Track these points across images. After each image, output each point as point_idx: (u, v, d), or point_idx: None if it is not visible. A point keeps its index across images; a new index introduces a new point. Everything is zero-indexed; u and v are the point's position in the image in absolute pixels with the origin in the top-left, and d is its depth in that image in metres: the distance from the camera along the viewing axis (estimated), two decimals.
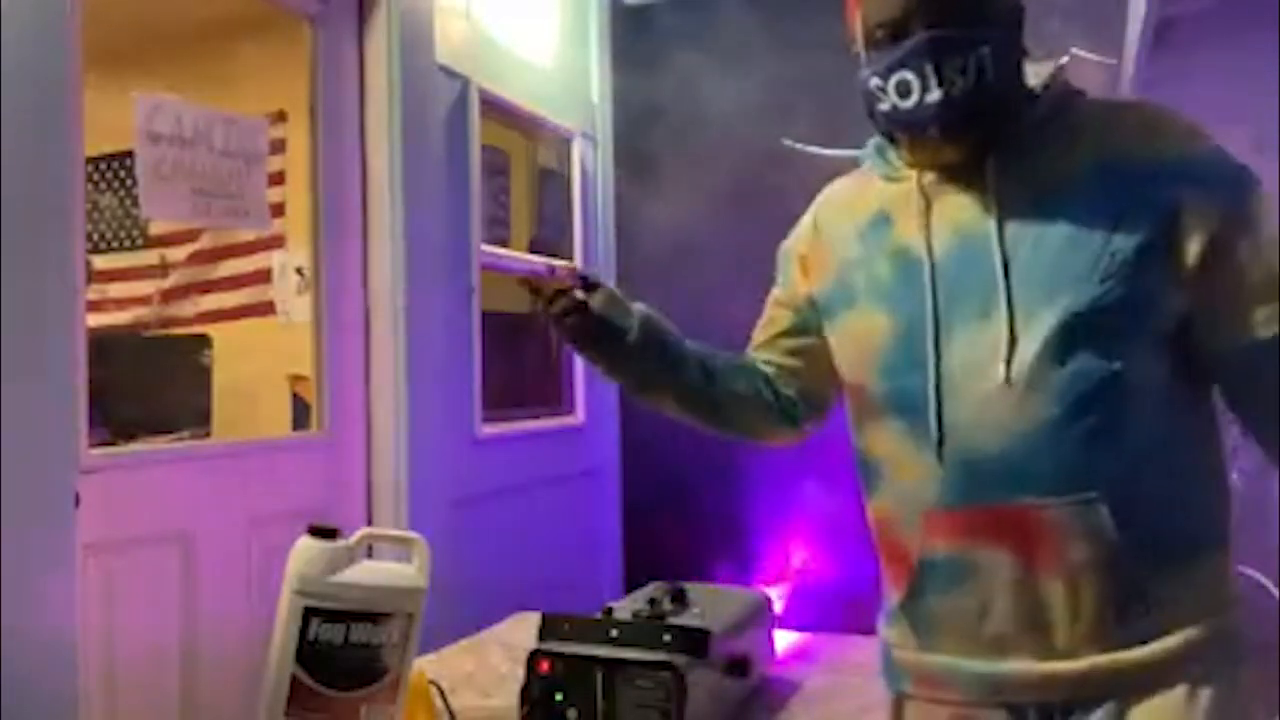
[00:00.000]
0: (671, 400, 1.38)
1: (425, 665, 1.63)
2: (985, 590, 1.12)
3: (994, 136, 1.15)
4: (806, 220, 1.40)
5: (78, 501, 1.87)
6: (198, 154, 2.24)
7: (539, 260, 3.45)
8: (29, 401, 1.76)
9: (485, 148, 3.07)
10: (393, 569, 1.39)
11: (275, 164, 2.68)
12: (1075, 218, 1.10)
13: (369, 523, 2.61)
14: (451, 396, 2.85)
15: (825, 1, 3.59)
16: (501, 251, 3.22)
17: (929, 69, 1.10)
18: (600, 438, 3.66)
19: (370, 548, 1.45)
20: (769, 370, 1.41)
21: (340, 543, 1.34)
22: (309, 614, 1.30)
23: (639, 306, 1.37)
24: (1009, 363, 1.09)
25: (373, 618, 1.32)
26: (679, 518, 3.48)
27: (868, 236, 1.25)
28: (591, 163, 3.66)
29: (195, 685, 2.21)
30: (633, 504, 3.73)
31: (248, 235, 3.65)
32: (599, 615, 1.55)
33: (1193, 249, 1.07)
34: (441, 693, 1.55)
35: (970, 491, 1.12)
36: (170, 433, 2.93)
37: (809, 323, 1.35)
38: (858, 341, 1.24)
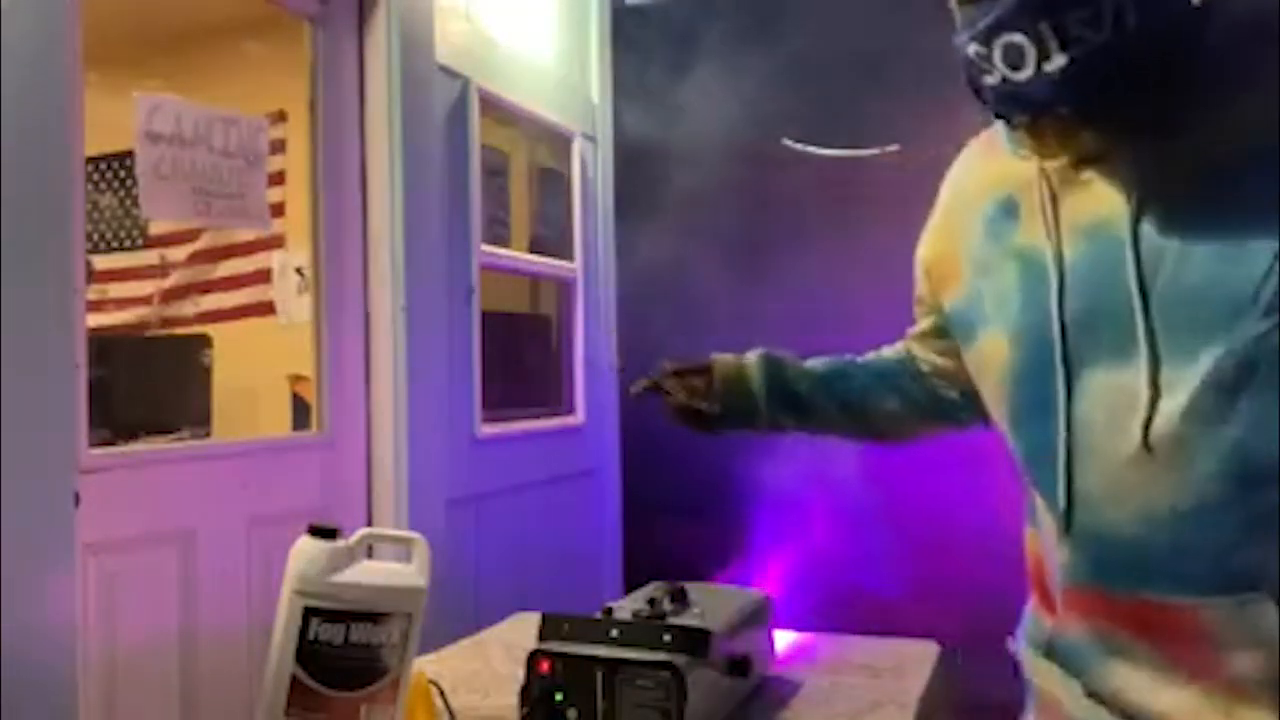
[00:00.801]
0: (825, 435, 1.33)
1: (425, 665, 1.63)
2: (1124, 677, 0.91)
3: (1143, 105, 0.86)
4: (936, 208, 1.15)
5: (78, 501, 1.87)
6: (198, 154, 2.24)
7: (539, 260, 3.45)
8: (29, 401, 1.76)
9: (485, 148, 3.07)
10: (393, 569, 1.39)
11: (275, 164, 2.69)
12: (1236, 218, 0.82)
13: (369, 522, 2.61)
14: (451, 396, 2.85)
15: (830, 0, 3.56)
16: (501, 251, 3.22)
17: (1045, 26, 0.82)
18: (600, 437, 3.66)
19: (370, 547, 1.45)
20: (924, 368, 1.25)
21: (340, 543, 1.34)
22: (309, 614, 1.30)
23: (754, 362, 1.30)
24: (1148, 424, 0.84)
25: (373, 618, 1.32)
26: (679, 517, 3.48)
27: (994, 228, 1.00)
28: (591, 163, 3.66)
29: (195, 685, 2.21)
30: (633, 503, 3.74)
31: (248, 235, 3.66)
32: (599, 615, 1.54)
33: None
34: (441, 693, 1.55)
35: (1103, 573, 0.91)
36: (171, 432, 2.93)
37: (948, 335, 1.14)
38: (985, 372, 1.02)
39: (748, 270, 3.51)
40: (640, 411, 3.69)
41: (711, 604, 1.61)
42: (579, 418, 3.55)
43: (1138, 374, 0.85)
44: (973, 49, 0.88)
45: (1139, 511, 0.86)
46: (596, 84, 3.71)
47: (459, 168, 2.92)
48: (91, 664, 1.95)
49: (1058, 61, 0.83)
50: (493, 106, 3.09)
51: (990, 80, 0.88)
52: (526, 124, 3.40)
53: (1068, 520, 0.91)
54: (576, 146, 3.56)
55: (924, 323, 1.23)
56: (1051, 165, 0.93)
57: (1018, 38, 0.84)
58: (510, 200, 3.55)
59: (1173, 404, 0.84)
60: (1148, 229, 0.86)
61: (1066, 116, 0.88)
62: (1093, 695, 0.95)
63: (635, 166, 3.71)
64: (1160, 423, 0.84)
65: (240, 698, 2.19)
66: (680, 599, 1.62)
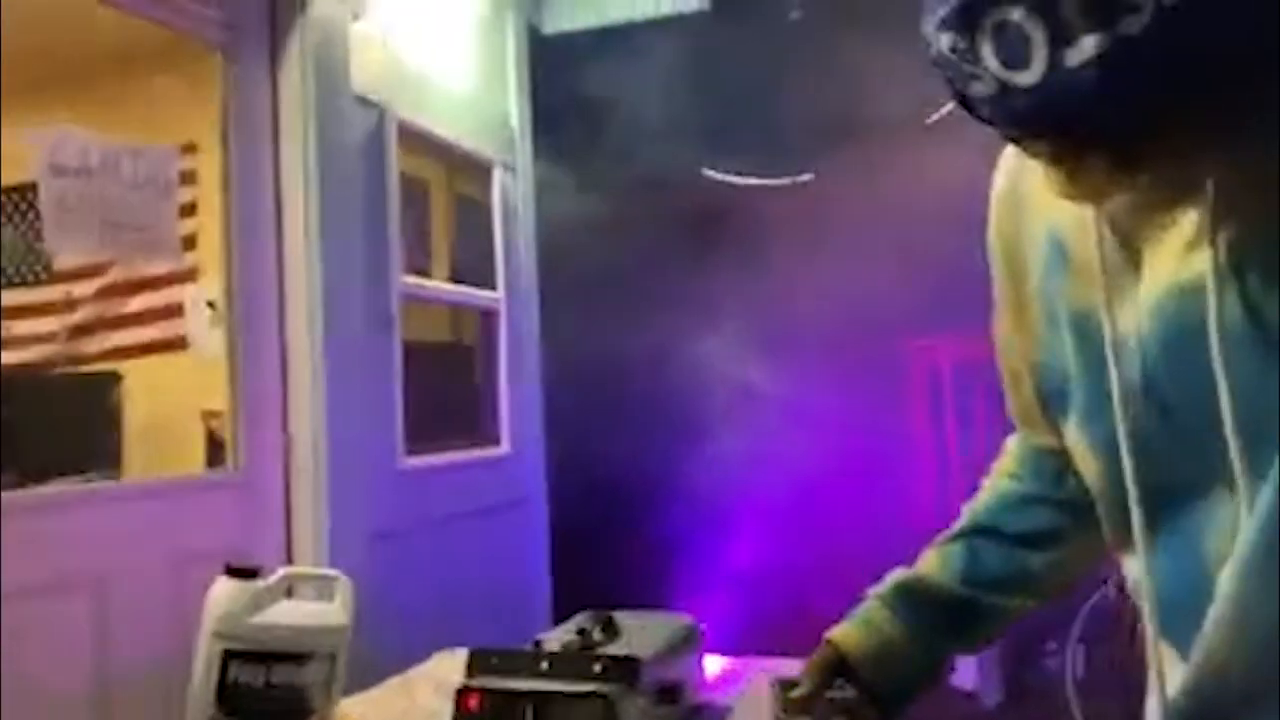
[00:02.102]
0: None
1: (351, 705, 1.60)
2: None
3: (1198, 124, 0.58)
4: (1004, 211, 0.81)
5: None
6: (105, 185, 2.19)
7: (459, 290, 3.43)
8: None
9: (404, 177, 3.05)
10: (315, 608, 1.37)
11: (187, 195, 2.63)
12: None
13: (289, 560, 2.55)
14: (373, 428, 2.81)
15: (742, 29, 3.66)
16: (422, 281, 3.19)
17: (1067, 6, 0.54)
18: (526, 467, 3.64)
19: (291, 587, 1.42)
20: (1056, 465, 0.87)
21: (260, 582, 1.31)
22: (229, 656, 1.26)
23: (879, 607, 0.95)
24: (1238, 541, 0.63)
25: (295, 658, 1.29)
26: (608, 545, 3.48)
27: (1049, 273, 0.75)
28: (511, 191, 3.66)
29: None
30: (560, 533, 3.72)
31: (158, 269, 3.57)
32: (528, 648, 1.53)
33: None
34: None
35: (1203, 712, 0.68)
36: (80, 473, 2.84)
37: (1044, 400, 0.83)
38: (1079, 463, 0.78)
39: (668, 297, 3.54)
40: (566, 440, 3.70)
41: (641, 632, 1.61)
42: (504, 447, 3.53)
43: (1220, 478, 0.63)
44: (945, 40, 0.59)
45: (1223, 651, 0.65)
46: (515, 112, 3.72)
47: (377, 197, 2.89)
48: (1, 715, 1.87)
49: (1088, 50, 0.54)
50: (411, 135, 3.07)
51: (981, 90, 0.59)
52: (445, 153, 3.39)
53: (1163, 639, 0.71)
54: (496, 175, 3.55)
55: (1026, 390, 0.85)
56: (1113, 203, 0.65)
57: (1015, 15, 0.55)
58: (431, 229, 3.53)
59: (1262, 520, 0.61)
60: (1230, 289, 0.60)
61: (1100, 139, 0.59)
62: None
63: (555, 194, 3.72)
64: (1248, 544, 0.62)
65: None
66: (610, 628, 1.62)
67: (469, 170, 3.59)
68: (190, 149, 3.04)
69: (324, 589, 1.40)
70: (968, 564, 0.91)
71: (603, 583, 3.33)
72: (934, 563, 0.94)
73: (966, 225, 1.03)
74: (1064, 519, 0.89)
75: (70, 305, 3.84)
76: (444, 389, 3.52)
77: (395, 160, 2.95)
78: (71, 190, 2.12)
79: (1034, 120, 0.59)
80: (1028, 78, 0.56)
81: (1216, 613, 0.64)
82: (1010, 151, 0.78)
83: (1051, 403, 0.78)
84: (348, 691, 1.51)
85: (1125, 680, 2.31)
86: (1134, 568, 0.73)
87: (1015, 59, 0.56)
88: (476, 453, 3.42)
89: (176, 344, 3.66)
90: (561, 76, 3.72)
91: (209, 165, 2.75)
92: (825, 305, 3.02)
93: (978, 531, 0.93)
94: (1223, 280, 0.60)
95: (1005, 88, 0.57)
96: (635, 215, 3.51)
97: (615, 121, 3.53)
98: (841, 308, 3.08)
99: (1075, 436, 0.75)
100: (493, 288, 3.52)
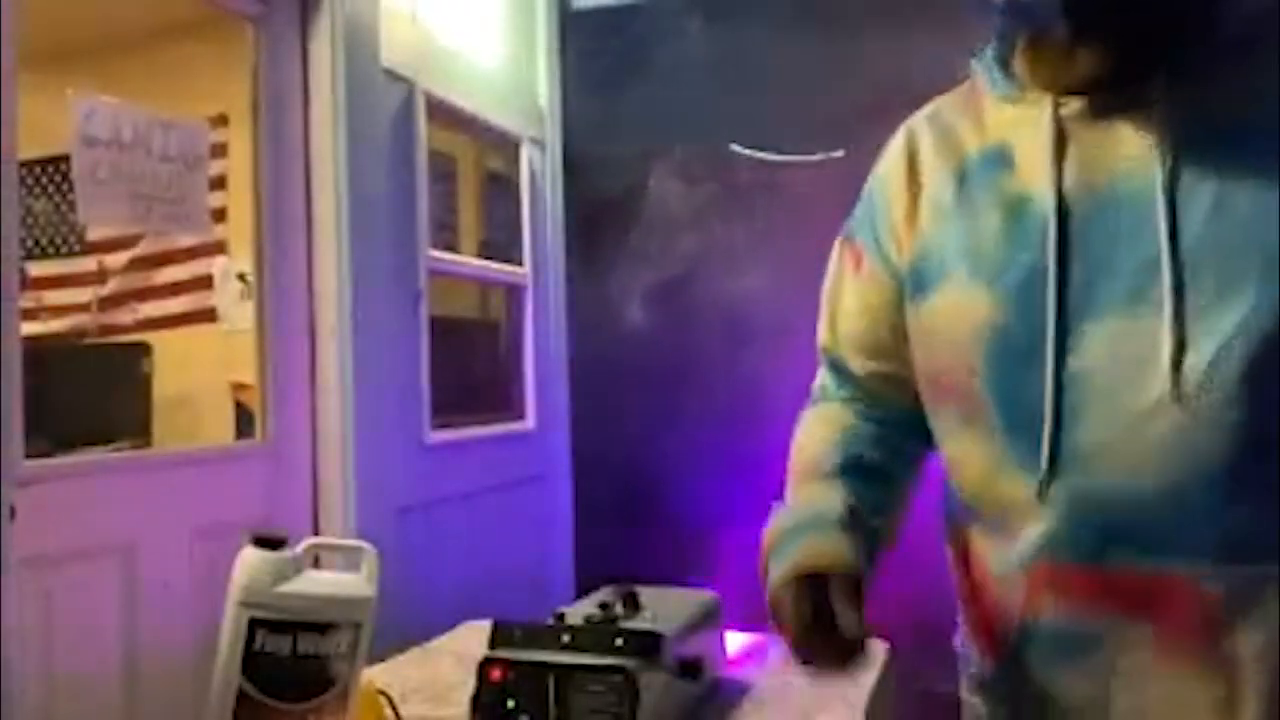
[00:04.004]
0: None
1: (375, 675, 1.62)
2: (1106, 671, 0.85)
3: (1167, 41, 0.84)
4: (897, 148, 1.04)
5: (13, 514, 1.82)
6: (136, 158, 2.20)
7: (487, 266, 3.44)
8: None
9: (432, 152, 3.04)
10: (340, 578, 1.38)
11: (217, 168, 2.64)
12: (1274, 186, 0.78)
13: (316, 532, 2.57)
14: (400, 402, 2.83)
15: (772, 6, 3.62)
16: (450, 256, 3.19)
17: None
18: (551, 442, 3.65)
19: (317, 557, 1.43)
20: (902, 374, 1.04)
21: (286, 553, 1.32)
22: (254, 625, 1.28)
23: (833, 517, 0.99)
24: (1176, 374, 0.79)
25: (320, 628, 1.30)
26: (630, 520, 3.48)
27: (974, 178, 0.94)
28: (540, 167, 3.65)
29: (139, 701, 2.16)
30: (584, 508, 3.73)
31: (188, 241, 3.59)
32: (550, 621, 1.54)
33: None
34: (391, 702, 1.53)
35: (1098, 544, 0.84)
36: (110, 442, 2.87)
37: (902, 297, 1.01)
38: (948, 326, 0.93)
39: (696, 272, 3.52)
40: (592, 416, 3.70)
41: (663, 607, 1.62)
42: (529, 423, 3.54)
43: (1159, 325, 0.80)
44: None
45: (1152, 470, 0.80)
46: (544, 88, 3.71)
47: (406, 172, 2.90)
48: (30, 682, 1.90)
49: None
50: (439, 110, 3.07)
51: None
52: (474, 128, 3.38)
53: (1050, 484, 0.85)
54: (524, 151, 3.55)
55: (883, 312, 1.05)
56: (1066, 105, 0.87)
57: None
58: (458, 205, 3.53)
59: (1200, 356, 0.79)
60: (1181, 175, 0.81)
61: (1065, 37, 0.84)
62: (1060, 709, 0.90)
63: (583, 170, 3.71)
64: (1191, 377, 0.79)
65: (185, 713, 2.15)
66: (632, 602, 1.62)
67: (497, 146, 3.59)
68: (221, 121, 3.05)
69: (350, 560, 1.41)
70: (857, 494, 1.02)
71: (626, 557, 3.34)
72: (825, 491, 1.04)
73: None
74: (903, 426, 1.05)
75: (101, 276, 3.87)
76: (470, 364, 3.53)
77: (424, 135, 2.95)
78: (103, 162, 2.14)
79: (1028, 17, 0.85)
80: None
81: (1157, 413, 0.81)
82: (917, 118, 1.04)
83: (916, 284, 0.97)
84: (372, 662, 1.53)
85: None
86: (995, 399, 0.89)
87: None
88: (502, 428, 3.43)
89: (206, 316, 3.69)
90: (592, 52, 3.70)
91: (239, 138, 2.76)
92: None
93: (866, 452, 1.06)
94: (1172, 160, 0.82)
95: None
96: (665, 191, 3.49)
97: (645, 97, 3.50)
98: None
99: (955, 299, 0.92)
100: (520, 264, 3.52)
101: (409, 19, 2.95)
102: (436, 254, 3.04)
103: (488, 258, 3.48)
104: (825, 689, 1.69)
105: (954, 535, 1.02)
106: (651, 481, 3.41)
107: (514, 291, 3.58)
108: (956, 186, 0.95)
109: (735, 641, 1.90)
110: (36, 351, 2.40)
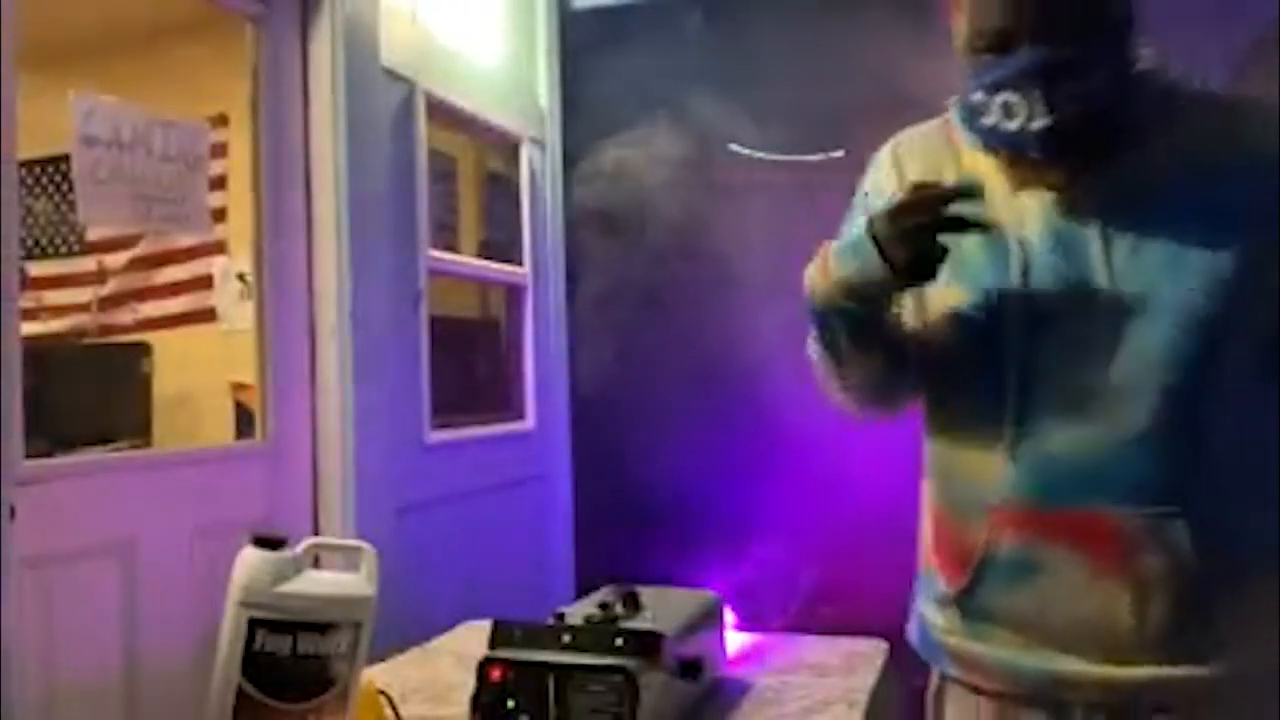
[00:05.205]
0: (882, 357, 1.21)
1: (375, 675, 1.62)
2: (1049, 589, 1.10)
3: (1102, 150, 1.10)
4: (885, 162, 1.27)
5: (13, 514, 1.82)
6: (136, 158, 2.20)
7: (487, 266, 3.44)
8: None
9: (432, 152, 3.04)
10: (340, 578, 1.38)
11: (217, 168, 2.64)
12: (1177, 227, 1.06)
13: (315, 532, 2.57)
14: (399, 403, 2.83)
15: (772, 6, 3.61)
16: (450, 256, 3.19)
17: (1037, 94, 1.03)
18: (551, 442, 3.65)
19: (317, 557, 1.43)
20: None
21: (286, 553, 1.32)
22: (254, 625, 1.28)
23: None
24: (1109, 364, 1.06)
25: (320, 628, 1.30)
26: (630, 520, 3.48)
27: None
28: (540, 167, 3.65)
29: (139, 700, 2.16)
30: (584, 508, 3.73)
31: (188, 241, 3.59)
32: (550, 621, 1.54)
33: None
34: (391, 702, 1.53)
35: (1045, 491, 1.09)
36: (110, 442, 2.87)
37: None
38: (939, 316, 1.17)
39: (697, 269, 3.52)
40: (591, 416, 3.70)
41: (663, 607, 1.62)
42: (529, 423, 3.54)
43: (1099, 328, 1.07)
44: (977, 96, 1.09)
45: (1089, 436, 1.07)
46: (544, 88, 3.71)
47: (405, 172, 2.90)
48: (30, 681, 1.90)
49: (1042, 122, 1.04)
50: (439, 110, 3.07)
51: (986, 122, 1.09)
52: (474, 128, 3.38)
53: (1016, 446, 1.10)
54: (524, 151, 3.55)
55: None
56: (1018, 165, 1.12)
57: (1014, 97, 1.05)
58: (458, 204, 3.53)
59: (1129, 353, 1.06)
60: (1107, 227, 1.09)
61: (1039, 160, 1.09)
62: (1015, 626, 1.14)
63: (583, 170, 3.71)
64: (1119, 366, 1.06)
65: (186, 712, 2.15)
66: (632, 603, 1.62)
67: (497, 146, 3.59)
68: (221, 121, 3.05)
69: (350, 559, 1.41)
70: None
71: (626, 557, 3.34)
72: None
73: None
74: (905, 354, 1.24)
75: (101, 276, 3.87)
76: (470, 364, 3.53)
77: (424, 135, 2.95)
78: (104, 162, 2.14)
79: (1011, 145, 1.10)
80: (1012, 126, 1.07)
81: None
82: (900, 137, 1.29)
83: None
84: (372, 662, 1.53)
85: None
86: (976, 374, 1.14)
87: (1008, 116, 1.06)
88: (502, 428, 3.43)
89: (206, 316, 3.69)
90: (592, 52, 3.70)
91: (239, 138, 2.76)
92: None
93: None
94: (1102, 218, 1.10)
95: (999, 129, 1.09)
96: (665, 191, 3.49)
97: (645, 97, 3.50)
98: None
99: (941, 296, 1.16)
100: (520, 264, 3.52)
101: (409, 19, 2.95)
102: (436, 254, 3.04)
103: (488, 258, 3.48)
104: (827, 688, 1.70)
105: (929, 483, 1.24)
106: (651, 481, 3.41)
107: (514, 291, 3.58)
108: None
109: (735, 641, 1.90)
110: (36, 351, 2.40)
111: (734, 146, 3.45)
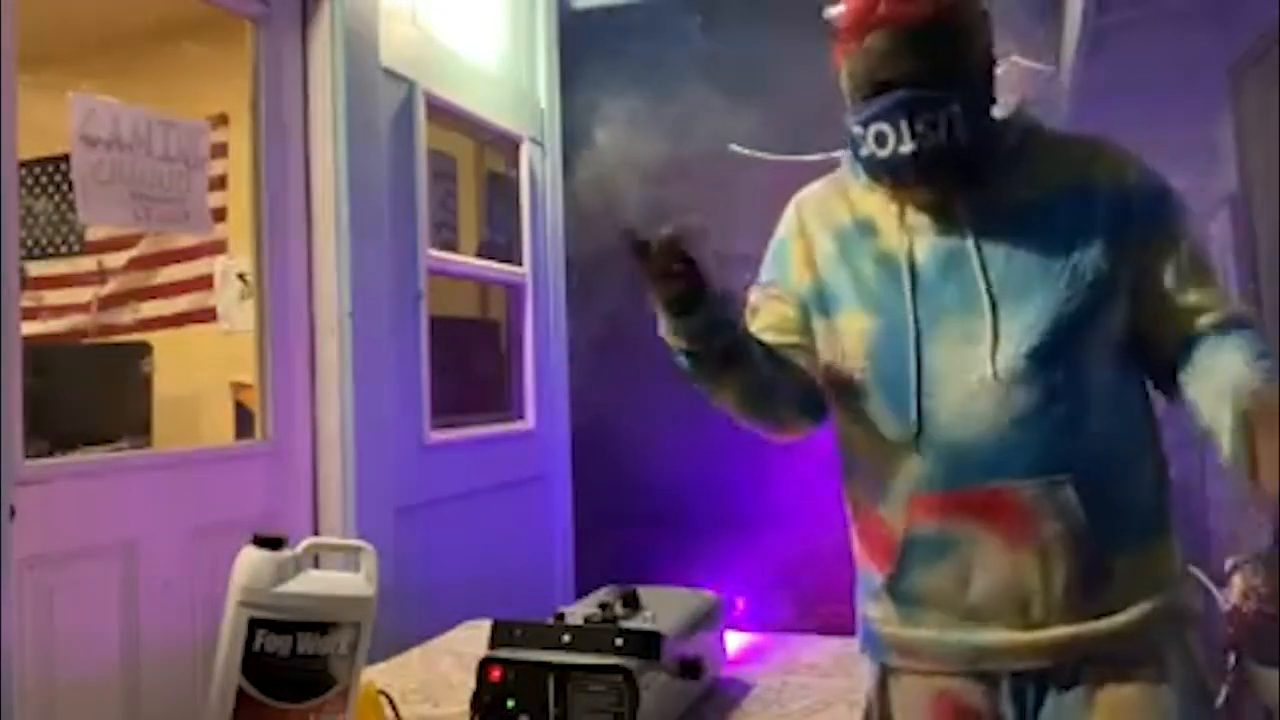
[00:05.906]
0: (736, 385, 1.35)
1: (375, 675, 1.62)
2: (965, 565, 1.23)
3: (965, 175, 1.28)
4: (791, 217, 1.47)
5: (13, 514, 1.82)
6: (136, 158, 2.20)
7: (487, 266, 3.44)
8: None
9: (432, 151, 3.04)
10: (340, 578, 1.38)
11: (217, 168, 2.64)
12: (1041, 240, 1.26)
13: (315, 531, 2.57)
14: (399, 403, 2.83)
15: (770, 7, 3.61)
16: (449, 256, 3.19)
17: (903, 124, 1.23)
18: (550, 442, 3.65)
19: (317, 557, 1.43)
20: (800, 360, 1.40)
21: (286, 552, 1.32)
22: (254, 625, 1.28)
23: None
24: (994, 359, 1.22)
25: (320, 628, 1.30)
26: (630, 520, 3.48)
27: (851, 241, 1.36)
28: (539, 167, 3.65)
29: (138, 701, 2.16)
30: (584, 508, 3.73)
31: (189, 241, 3.59)
32: (550, 620, 1.54)
33: (1143, 265, 1.25)
34: (391, 702, 1.53)
35: (953, 476, 1.23)
36: (110, 442, 2.87)
37: (807, 315, 1.39)
38: (846, 339, 1.33)
39: None
40: (590, 416, 3.70)
41: (663, 607, 1.62)
42: (529, 423, 3.54)
43: (983, 329, 1.24)
44: (855, 129, 1.28)
45: (984, 422, 1.22)
46: (544, 88, 3.70)
47: (405, 171, 2.90)
48: (30, 680, 1.90)
49: (908, 147, 1.24)
50: (439, 110, 3.07)
51: (864, 152, 1.28)
52: (473, 128, 3.38)
53: (919, 439, 1.24)
54: (525, 150, 3.54)
55: (789, 313, 1.40)
56: (907, 205, 1.32)
57: (885, 127, 1.24)
58: (458, 205, 3.53)
59: (1009, 347, 1.23)
60: (983, 241, 1.27)
61: (910, 182, 1.28)
62: (940, 605, 1.25)
63: (583, 170, 3.71)
64: (1002, 360, 1.22)
65: (185, 712, 2.15)
66: (632, 602, 1.63)
67: (497, 145, 3.58)
68: (221, 121, 3.05)
69: (349, 559, 1.41)
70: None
71: (625, 558, 3.34)
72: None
73: None
74: (798, 375, 1.39)
75: (101, 276, 3.87)
76: (470, 364, 3.53)
77: (424, 134, 2.95)
78: (104, 161, 2.14)
79: (886, 170, 1.29)
80: (884, 153, 1.26)
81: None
82: (799, 197, 1.48)
83: (820, 309, 1.37)
84: (372, 661, 1.53)
85: None
86: (879, 383, 1.29)
87: (881, 144, 1.26)
88: (502, 428, 3.43)
89: (206, 316, 3.68)
90: (592, 52, 3.70)
91: (239, 137, 2.76)
92: None
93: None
94: (975, 233, 1.28)
95: (874, 156, 1.28)
96: (664, 190, 3.49)
97: (645, 96, 3.50)
98: None
99: (848, 321, 1.33)
100: (520, 264, 3.52)
101: (409, 19, 2.95)
102: (436, 254, 3.04)
103: (488, 258, 3.48)
104: (827, 688, 1.70)
105: (851, 491, 1.37)
106: (651, 481, 3.41)
107: (514, 291, 3.58)
108: (838, 245, 1.36)
109: (735, 641, 1.90)
110: (36, 351, 2.40)
111: (734, 146, 3.46)
